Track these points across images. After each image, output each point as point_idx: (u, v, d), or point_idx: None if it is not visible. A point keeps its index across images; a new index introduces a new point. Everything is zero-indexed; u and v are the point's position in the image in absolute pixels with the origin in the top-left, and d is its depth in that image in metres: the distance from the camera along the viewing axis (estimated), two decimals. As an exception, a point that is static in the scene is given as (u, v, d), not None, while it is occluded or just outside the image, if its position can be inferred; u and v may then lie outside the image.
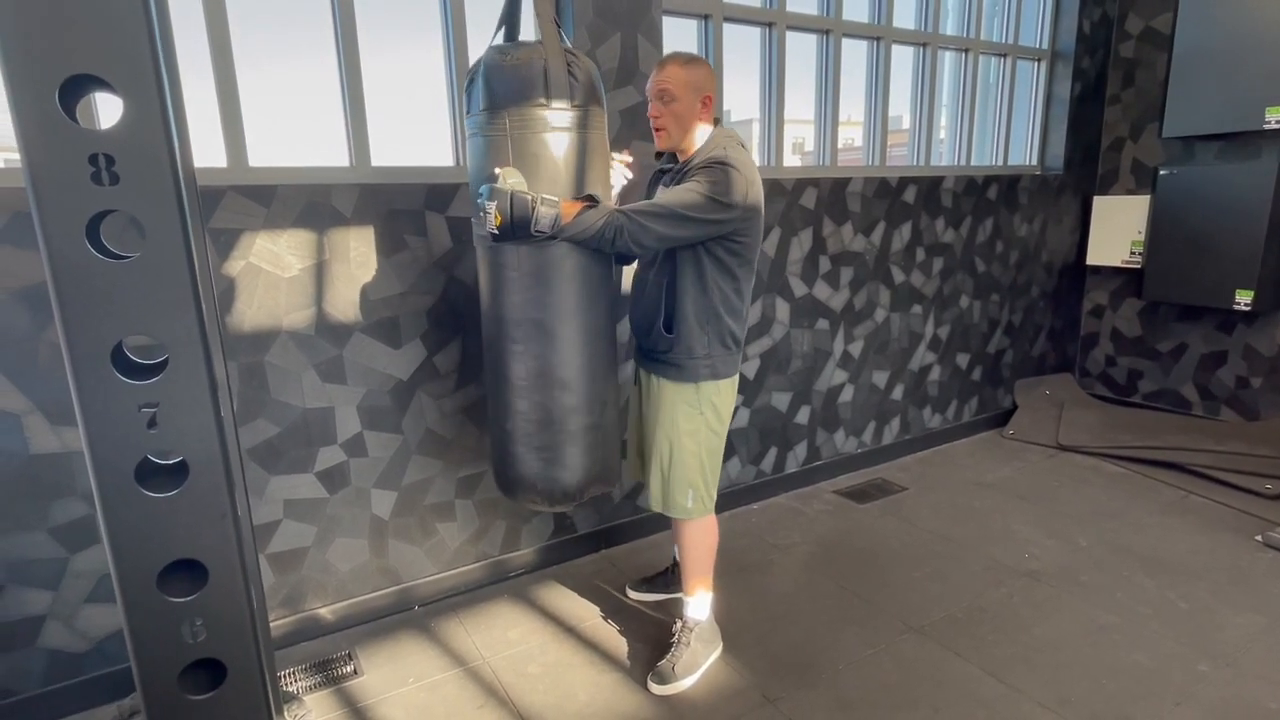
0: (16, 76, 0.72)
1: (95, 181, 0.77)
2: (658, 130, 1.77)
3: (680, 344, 1.79)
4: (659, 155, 1.94)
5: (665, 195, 1.67)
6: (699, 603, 1.99)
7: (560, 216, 1.55)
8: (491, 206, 1.51)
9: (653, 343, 1.85)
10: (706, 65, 1.76)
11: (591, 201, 1.61)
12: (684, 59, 1.74)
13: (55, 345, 1.71)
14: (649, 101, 1.78)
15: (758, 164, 2.91)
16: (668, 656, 1.94)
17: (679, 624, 2.00)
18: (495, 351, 1.74)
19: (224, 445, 0.88)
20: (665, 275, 1.79)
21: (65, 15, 0.74)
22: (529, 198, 1.52)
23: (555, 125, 1.58)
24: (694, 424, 1.85)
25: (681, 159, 1.81)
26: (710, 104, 1.75)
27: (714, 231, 1.67)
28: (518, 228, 1.53)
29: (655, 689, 1.88)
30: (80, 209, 0.78)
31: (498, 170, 1.56)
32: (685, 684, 1.90)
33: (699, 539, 1.95)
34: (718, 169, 1.65)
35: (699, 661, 1.95)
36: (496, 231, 1.53)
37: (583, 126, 1.62)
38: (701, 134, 1.77)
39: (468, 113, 1.67)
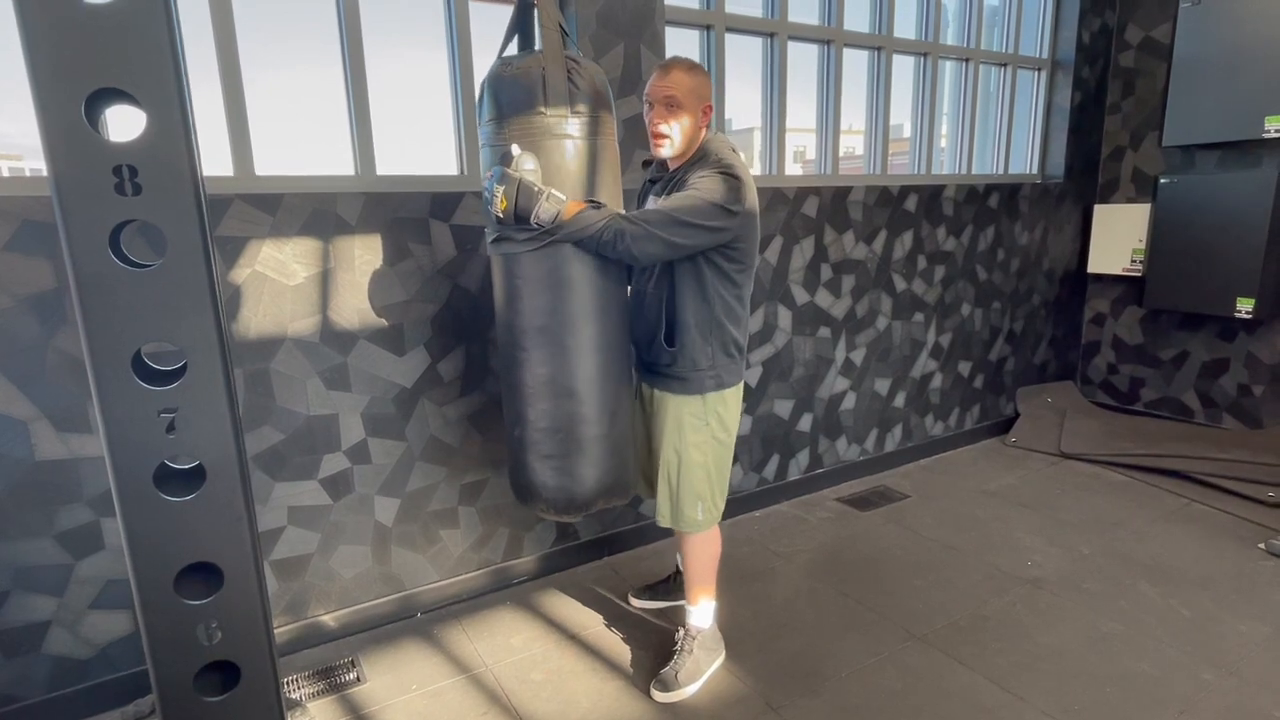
0: (44, 90, 0.74)
1: (118, 192, 0.79)
2: (660, 137, 1.71)
3: (684, 356, 1.76)
4: (646, 164, 1.93)
5: (667, 202, 1.63)
6: (702, 611, 1.99)
7: (561, 214, 1.54)
8: (499, 190, 1.52)
9: (654, 356, 1.82)
10: (707, 74, 1.75)
11: (595, 204, 1.61)
12: (688, 65, 1.70)
13: (63, 352, 1.72)
14: (649, 105, 1.72)
15: (760, 172, 2.93)
16: (670, 664, 1.94)
17: (682, 631, 2.00)
18: (507, 359, 1.74)
19: (240, 449, 0.89)
20: (665, 287, 1.76)
21: (91, 31, 0.75)
22: (536, 189, 1.52)
23: (556, 133, 1.58)
24: (700, 436, 1.83)
25: (672, 165, 1.78)
26: (710, 113, 1.74)
27: (717, 240, 1.64)
28: (520, 216, 1.53)
29: (658, 697, 1.88)
30: (104, 219, 0.79)
31: (515, 149, 1.55)
32: (688, 692, 1.90)
33: (703, 548, 1.95)
34: (719, 176, 1.62)
35: (702, 669, 1.95)
36: (500, 215, 1.54)
37: (586, 134, 1.61)
38: (698, 143, 1.76)
39: (479, 125, 1.69)
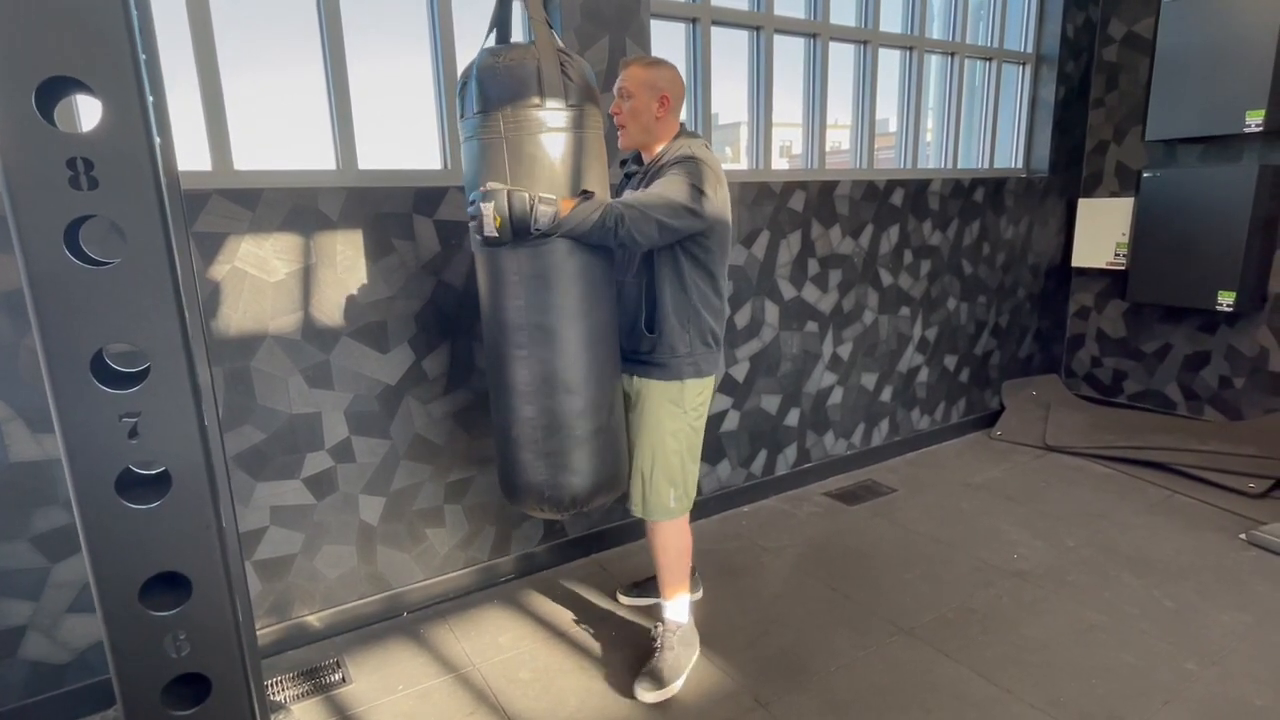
0: (-9, 79, 0.71)
1: (73, 186, 0.76)
2: (619, 128, 1.81)
3: (663, 342, 1.80)
4: (623, 164, 1.96)
5: (651, 187, 1.68)
6: (678, 605, 1.98)
7: (559, 213, 1.55)
8: (488, 208, 1.51)
9: (634, 343, 1.85)
10: (669, 68, 1.79)
11: (586, 196, 1.61)
12: (645, 61, 1.78)
13: (35, 351, 1.68)
14: (614, 100, 1.81)
15: (746, 167, 2.92)
16: (652, 661, 1.92)
17: (659, 627, 1.98)
18: (497, 357, 1.72)
19: (208, 455, 0.86)
20: (644, 275, 1.80)
21: (42, 16, 0.72)
22: (527, 196, 1.53)
23: (550, 125, 1.57)
24: (678, 423, 1.85)
25: (647, 160, 1.83)
26: (669, 103, 1.77)
27: (700, 225, 1.69)
28: (517, 227, 1.53)
29: (644, 696, 1.86)
30: (58, 214, 0.76)
31: (490, 185, 1.56)
32: (676, 688, 1.89)
33: (676, 540, 1.94)
34: (691, 163, 1.69)
35: (683, 664, 1.94)
36: (496, 234, 1.53)
37: (578, 126, 1.62)
38: (666, 138, 1.81)
39: (461, 116, 1.66)
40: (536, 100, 1.55)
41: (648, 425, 1.86)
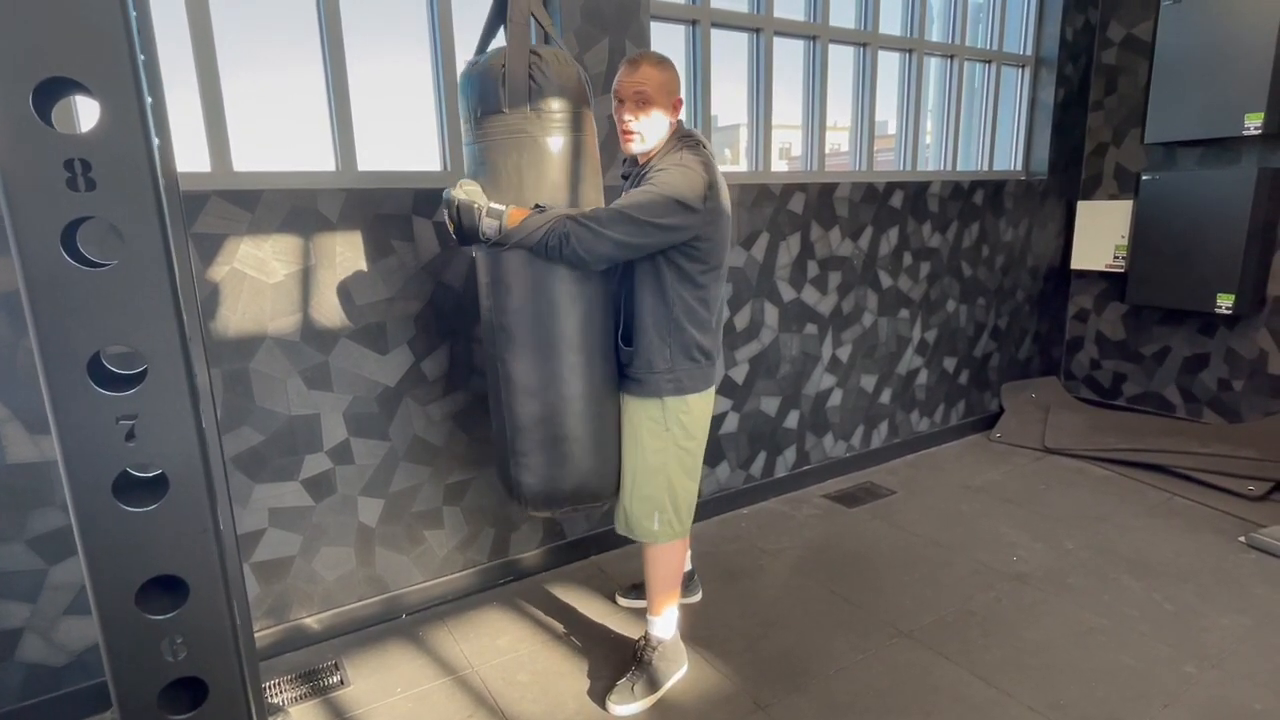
0: (-11, 80, 0.70)
1: (71, 187, 0.76)
2: (628, 134, 1.64)
3: (639, 357, 1.69)
4: (623, 161, 1.89)
5: (623, 198, 1.58)
6: (665, 621, 1.92)
7: (503, 225, 1.51)
8: (445, 213, 1.58)
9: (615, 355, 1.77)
10: (674, 66, 1.68)
11: (538, 209, 1.55)
12: (656, 59, 1.63)
13: (32, 353, 1.67)
14: (619, 101, 1.65)
15: (746, 169, 2.92)
16: (628, 676, 1.88)
17: (641, 641, 1.94)
18: (490, 354, 1.74)
19: (205, 457, 0.86)
20: (623, 285, 1.72)
21: (41, 16, 0.72)
22: (474, 206, 1.52)
23: (519, 130, 1.54)
24: (660, 442, 1.74)
25: (642, 160, 1.71)
26: (680, 107, 1.68)
27: (676, 239, 1.57)
28: (467, 235, 1.55)
29: (613, 709, 1.82)
30: (55, 216, 0.76)
31: (454, 191, 1.58)
32: (646, 704, 1.84)
33: (666, 560, 1.86)
34: (681, 169, 1.55)
35: (660, 681, 1.88)
36: (453, 235, 1.59)
37: (556, 131, 1.56)
38: (665, 140, 1.68)
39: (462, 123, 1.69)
40: (501, 106, 1.53)
41: (629, 442, 1.78)
